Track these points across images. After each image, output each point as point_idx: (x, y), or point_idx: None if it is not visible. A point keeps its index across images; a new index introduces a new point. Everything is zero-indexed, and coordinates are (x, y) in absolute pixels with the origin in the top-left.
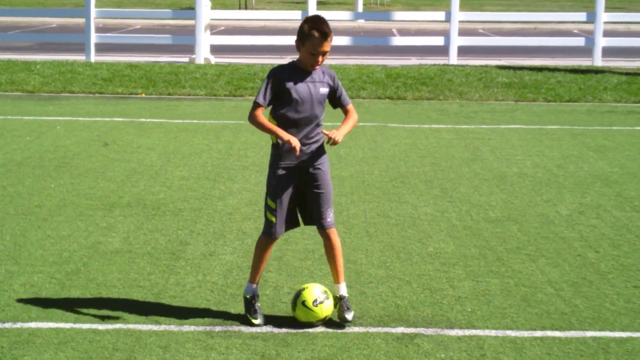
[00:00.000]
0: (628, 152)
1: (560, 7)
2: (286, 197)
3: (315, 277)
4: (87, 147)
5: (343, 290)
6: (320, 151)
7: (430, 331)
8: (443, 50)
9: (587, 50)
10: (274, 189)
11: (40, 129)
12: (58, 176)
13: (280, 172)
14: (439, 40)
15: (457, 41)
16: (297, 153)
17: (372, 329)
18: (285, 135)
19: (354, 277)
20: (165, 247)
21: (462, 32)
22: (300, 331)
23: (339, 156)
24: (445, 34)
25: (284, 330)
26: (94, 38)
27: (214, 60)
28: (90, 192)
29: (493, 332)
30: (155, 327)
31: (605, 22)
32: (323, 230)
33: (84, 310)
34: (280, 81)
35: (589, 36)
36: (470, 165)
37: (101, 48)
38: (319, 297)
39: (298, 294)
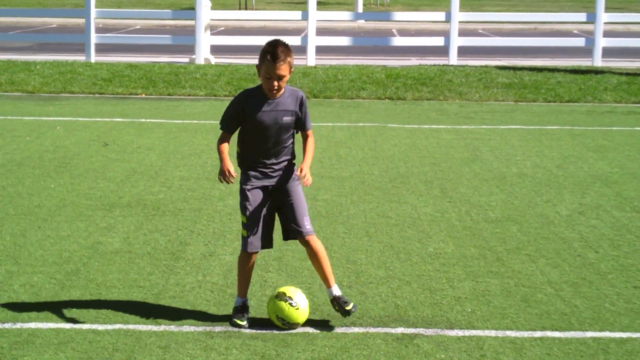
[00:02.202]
0: (628, 153)
1: (560, 7)
2: (257, 212)
3: (315, 277)
4: (87, 147)
5: (336, 291)
6: (289, 171)
7: (430, 331)
8: (443, 51)
9: (587, 51)
10: (244, 206)
11: (40, 129)
12: (58, 176)
13: (249, 188)
14: (439, 41)
15: (457, 41)
16: (228, 182)
17: (371, 330)
18: (223, 166)
19: (353, 277)
20: (165, 247)
21: (462, 33)
22: (300, 331)
23: (339, 156)
24: (445, 34)
25: (284, 330)
26: (94, 38)
27: (214, 60)
28: (90, 192)
29: (493, 333)
30: (155, 328)
31: (605, 23)
32: (302, 238)
33: (84, 311)
34: (243, 109)
35: (589, 36)
36: (470, 166)
37: (101, 48)
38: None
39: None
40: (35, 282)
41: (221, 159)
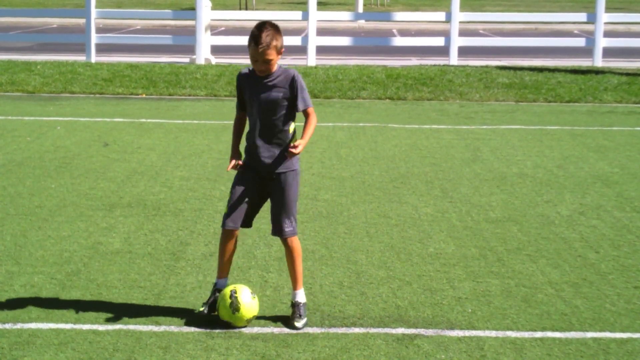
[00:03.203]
0: (628, 153)
1: (561, 7)
2: (239, 190)
3: (316, 277)
4: (88, 147)
5: (299, 297)
6: (281, 158)
7: (430, 332)
8: (443, 51)
9: (587, 51)
10: (232, 184)
11: (40, 129)
12: (58, 176)
13: (241, 169)
14: (439, 41)
15: (457, 42)
16: (227, 169)
17: (372, 330)
18: (231, 153)
19: (354, 277)
20: (165, 247)
21: (463, 33)
22: (301, 332)
23: (339, 157)
24: (446, 34)
25: (284, 331)
26: (94, 38)
27: (214, 60)
28: (91, 192)
29: (493, 333)
30: (155, 328)
31: (605, 23)
32: (283, 239)
33: (84, 311)
34: (240, 87)
35: (590, 37)
36: (470, 166)
37: (102, 48)
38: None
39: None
40: (36, 282)
41: (232, 144)
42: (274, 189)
